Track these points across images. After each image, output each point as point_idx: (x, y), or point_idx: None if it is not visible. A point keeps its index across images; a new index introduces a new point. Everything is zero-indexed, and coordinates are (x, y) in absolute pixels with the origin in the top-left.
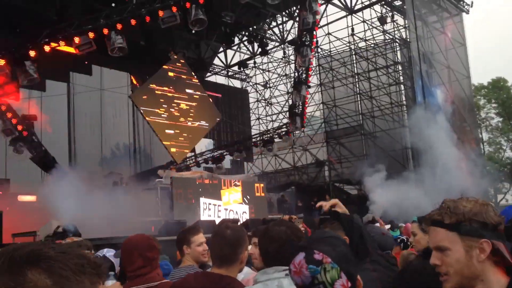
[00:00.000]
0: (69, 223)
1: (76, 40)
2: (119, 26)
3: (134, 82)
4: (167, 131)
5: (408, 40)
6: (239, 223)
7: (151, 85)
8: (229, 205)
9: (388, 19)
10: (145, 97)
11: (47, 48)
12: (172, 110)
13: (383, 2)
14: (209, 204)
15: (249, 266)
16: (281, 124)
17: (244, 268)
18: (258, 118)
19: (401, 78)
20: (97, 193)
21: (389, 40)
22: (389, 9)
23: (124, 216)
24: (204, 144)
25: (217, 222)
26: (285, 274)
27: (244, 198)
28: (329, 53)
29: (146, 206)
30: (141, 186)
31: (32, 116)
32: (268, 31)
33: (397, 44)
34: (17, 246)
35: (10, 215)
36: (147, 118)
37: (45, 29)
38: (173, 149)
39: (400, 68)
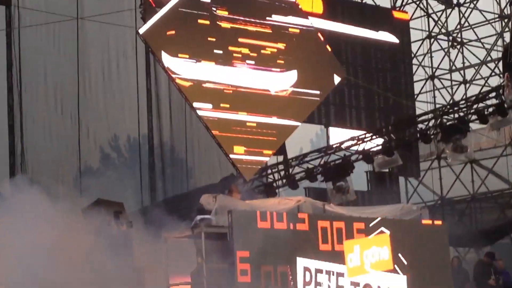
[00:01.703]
0: None
1: None
2: None
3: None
4: (222, 114)
5: None
6: None
7: (184, 9)
8: (363, 274)
9: None
10: (172, 32)
11: None
12: (236, 62)
13: None
14: (317, 271)
15: None
16: (483, 91)
17: None
18: (430, 78)
19: None
20: (72, 239)
21: None
22: None
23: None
24: (309, 138)
25: None
26: None
27: (399, 259)
28: None
29: (175, 271)
30: (164, 229)
31: None
32: None
33: None
34: None
35: None
36: (177, 83)
37: None
38: (238, 149)
39: None
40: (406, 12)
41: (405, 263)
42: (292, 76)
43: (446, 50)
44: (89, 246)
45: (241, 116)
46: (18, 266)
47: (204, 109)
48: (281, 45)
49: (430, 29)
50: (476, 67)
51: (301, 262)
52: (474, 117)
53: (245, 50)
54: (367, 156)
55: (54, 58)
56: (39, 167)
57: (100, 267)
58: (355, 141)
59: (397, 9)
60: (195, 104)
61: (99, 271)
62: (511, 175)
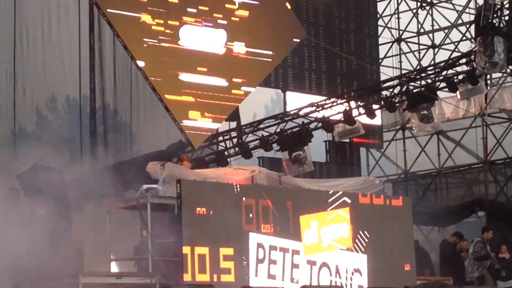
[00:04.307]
0: None
1: None
2: None
3: None
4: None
5: None
6: None
7: None
8: (319, 252)
9: None
10: None
11: None
12: (184, 18)
13: None
14: (271, 248)
15: None
16: (453, 57)
17: None
18: (396, 41)
19: None
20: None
21: None
22: None
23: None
24: (264, 103)
25: None
26: None
27: (359, 236)
28: None
29: (117, 245)
30: (106, 199)
31: None
32: None
33: None
34: None
35: None
36: (123, 40)
37: None
38: (186, 114)
39: None
40: None
41: (366, 241)
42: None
43: (414, 11)
44: (23, 214)
45: (191, 77)
46: None
47: (151, 69)
48: (242, 12)
49: None
50: (446, 31)
51: (254, 238)
52: (442, 84)
53: (201, 16)
54: (327, 124)
55: None
56: None
57: (34, 238)
58: (314, 108)
59: None
60: (141, 64)
61: (33, 242)
62: (480, 149)
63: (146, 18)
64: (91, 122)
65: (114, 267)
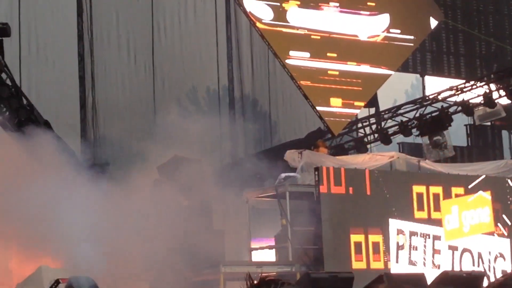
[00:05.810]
0: (79, 271)
1: None
2: None
3: None
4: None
5: None
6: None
7: None
8: (461, 237)
9: None
10: None
11: None
12: (323, 4)
13: None
14: (411, 232)
15: None
16: None
17: None
18: None
19: None
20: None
21: None
22: None
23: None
24: (404, 88)
25: (430, 277)
26: None
27: (502, 220)
28: None
29: (257, 234)
30: (246, 189)
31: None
32: None
33: None
34: None
35: None
36: (260, 28)
37: None
38: (325, 101)
39: None
40: None
41: (509, 224)
42: (384, 20)
43: None
44: (169, 205)
45: (329, 64)
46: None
47: (289, 57)
48: None
49: None
50: None
51: (394, 224)
52: None
53: None
54: (467, 107)
55: (126, 2)
56: (111, 121)
57: (176, 230)
58: (454, 91)
59: None
60: (279, 52)
61: (176, 234)
62: None
63: (285, 5)
64: (231, 113)
65: (254, 256)
